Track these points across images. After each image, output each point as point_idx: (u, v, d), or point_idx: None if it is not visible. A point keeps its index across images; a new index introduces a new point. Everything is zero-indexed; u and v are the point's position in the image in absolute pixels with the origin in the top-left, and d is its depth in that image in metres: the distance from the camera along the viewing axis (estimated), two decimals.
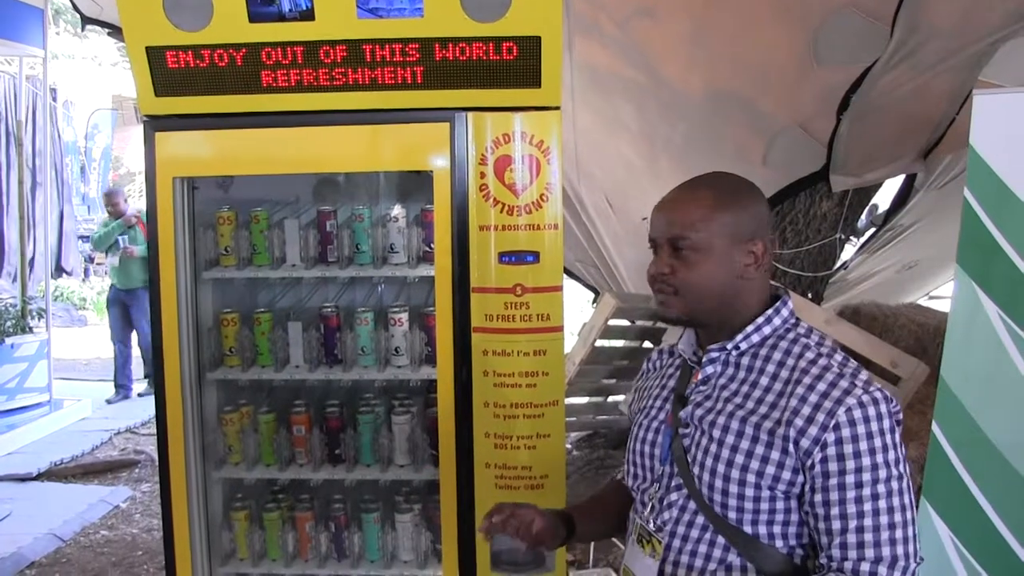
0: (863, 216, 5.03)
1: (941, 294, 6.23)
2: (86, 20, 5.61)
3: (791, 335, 1.43)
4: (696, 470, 1.41)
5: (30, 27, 6.57)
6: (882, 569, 1.28)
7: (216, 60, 2.43)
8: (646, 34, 3.83)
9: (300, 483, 2.93)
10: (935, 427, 2.31)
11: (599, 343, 4.37)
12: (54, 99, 8.59)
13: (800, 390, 1.34)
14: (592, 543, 3.67)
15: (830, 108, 3.57)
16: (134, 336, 7.39)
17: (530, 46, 2.33)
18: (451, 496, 2.56)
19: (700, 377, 1.47)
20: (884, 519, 1.29)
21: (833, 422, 1.29)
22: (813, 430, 1.30)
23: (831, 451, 1.30)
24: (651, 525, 1.48)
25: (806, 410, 1.32)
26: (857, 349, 3.78)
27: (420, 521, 2.81)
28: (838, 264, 4.72)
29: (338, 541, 2.85)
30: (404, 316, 2.74)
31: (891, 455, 1.30)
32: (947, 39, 3.15)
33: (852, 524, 1.29)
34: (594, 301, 5.85)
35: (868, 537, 1.28)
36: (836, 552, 1.30)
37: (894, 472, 1.30)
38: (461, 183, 2.44)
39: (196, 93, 2.48)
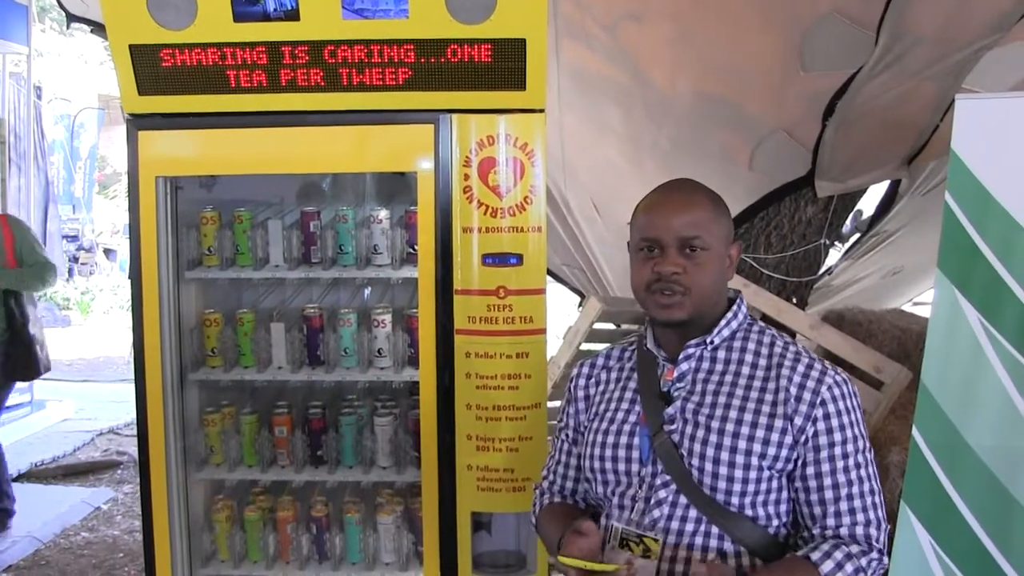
0: (848, 222, 5.05)
1: (925, 300, 6.26)
2: (72, 18, 5.56)
3: (755, 328, 1.55)
4: (695, 461, 1.46)
5: (14, 24, 6.52)
6: (872, 531, 1.44)
7: (200, 59, 2.42)
8: (633, 38, 3.84)
9: (282, 484, 2.92)
10: (915, 432, 2.31)
11: (584, 346, 4.36)
12: (39, 97, 8.50)
13: (785, 372, 1.47)
14: None
15: (816, 113, 3.58)
16: None
17: (515, 48, 2.33)
18: (433, 498, 2.55)
19: (676, 374, 1.51)
20: (867, 486, 1.45)
21: (819, 399, 1.44)
22: (803, 408, 1.44)
23: (820, 425, 1.44)
24: (639, 526, 1.49)
25: (794, 390, 1.45)
26: (841, 354, 3.78)
27: (402, 523, 2.80)
28: (823, 269, 4.74)
29: (319, 543, 2.83)
30: (387, 318, 2.73)
31: (863, 428, 1.47)
32: (931, 47, 3.17)
33: (843, 492, 1.44)
34: (580, 305, 5.84)
35: (857, 503, 1.44)
36: (831, 521, 1.44)
37: (868, 444, 1.47)
38: (445, 185, 2.44)
39: (180, 92, 2.47)
